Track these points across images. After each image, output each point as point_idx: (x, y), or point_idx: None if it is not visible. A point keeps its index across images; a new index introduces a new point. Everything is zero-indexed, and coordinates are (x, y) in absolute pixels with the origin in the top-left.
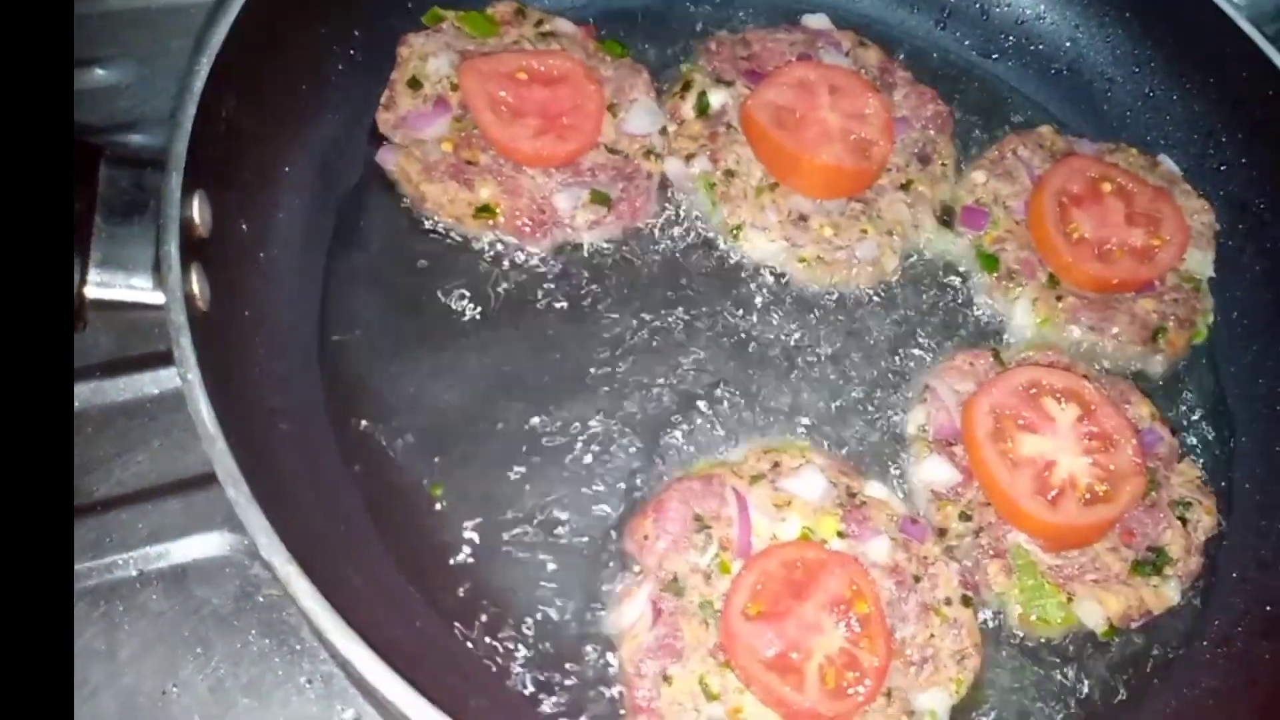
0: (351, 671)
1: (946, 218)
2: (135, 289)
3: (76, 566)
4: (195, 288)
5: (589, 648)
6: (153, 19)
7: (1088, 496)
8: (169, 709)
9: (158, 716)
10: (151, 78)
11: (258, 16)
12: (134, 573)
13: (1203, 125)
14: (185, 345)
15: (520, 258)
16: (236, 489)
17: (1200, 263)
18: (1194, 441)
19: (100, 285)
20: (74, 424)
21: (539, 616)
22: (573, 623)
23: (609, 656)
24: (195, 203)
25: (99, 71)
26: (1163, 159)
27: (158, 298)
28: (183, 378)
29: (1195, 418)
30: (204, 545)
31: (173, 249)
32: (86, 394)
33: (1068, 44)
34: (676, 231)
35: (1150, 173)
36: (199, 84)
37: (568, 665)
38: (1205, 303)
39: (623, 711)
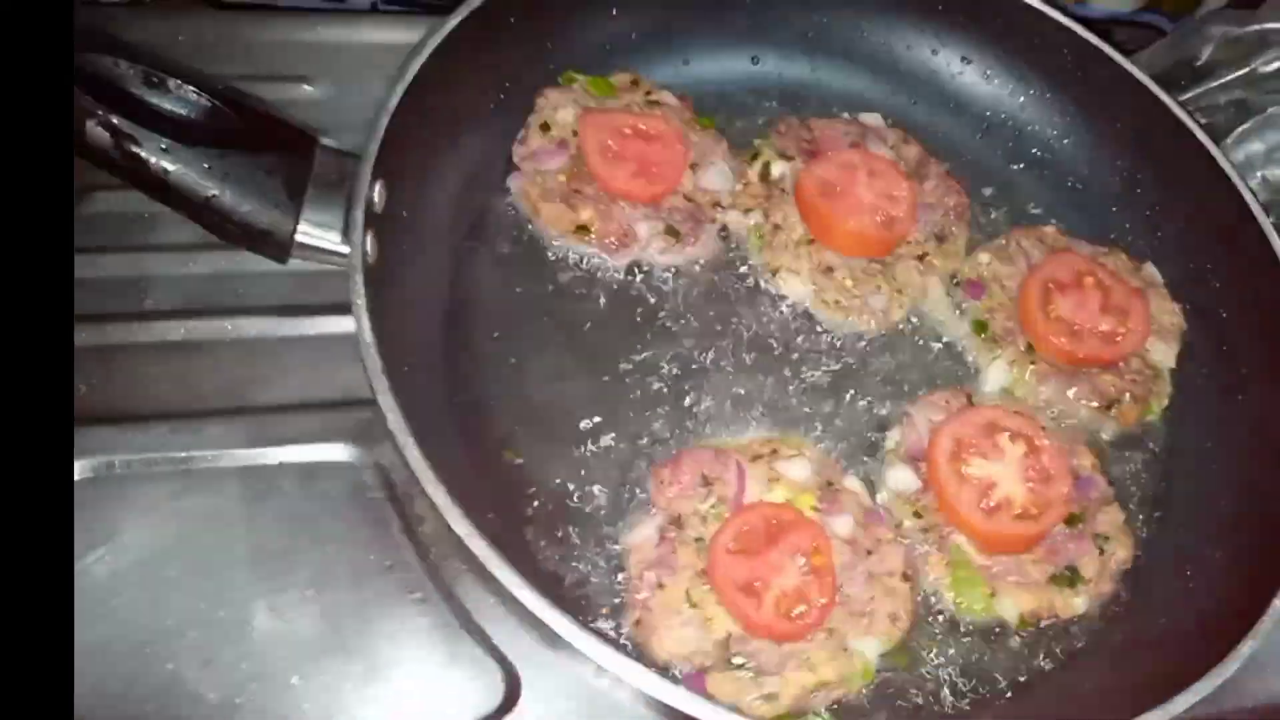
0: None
1: (953, 285)
2: (328, 240)
3: (237, 451)
4: (368, 247)
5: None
6: (350, 50)
7: (1018, 513)
8: (288, 563)
9: (279, 569)
10: (340, 96)
11: (441, 64)
12: (276, 463)
13: (1188, 244)
14: (358, 280)
15: (602, 270)
16: (379, 387)
17: (1164, 354)
18: (1132, 496)
19: (305, 234)
20: (256, 347)
21: (582, 528)
22: (606, 532)
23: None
24: (376, 188)
25: (306, 88)
26: (1148, 266)
27: (344, 248)
28: (354, 303)
29: (1139, 478)
30: (332, 452)
31: (359, 215)
32: (278, 327)
33: (1084, 164)
34: (727, 268)
35: (1134, 275)
36: (393, 103)
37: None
38: (1162, 387)
39: (620, 599)
